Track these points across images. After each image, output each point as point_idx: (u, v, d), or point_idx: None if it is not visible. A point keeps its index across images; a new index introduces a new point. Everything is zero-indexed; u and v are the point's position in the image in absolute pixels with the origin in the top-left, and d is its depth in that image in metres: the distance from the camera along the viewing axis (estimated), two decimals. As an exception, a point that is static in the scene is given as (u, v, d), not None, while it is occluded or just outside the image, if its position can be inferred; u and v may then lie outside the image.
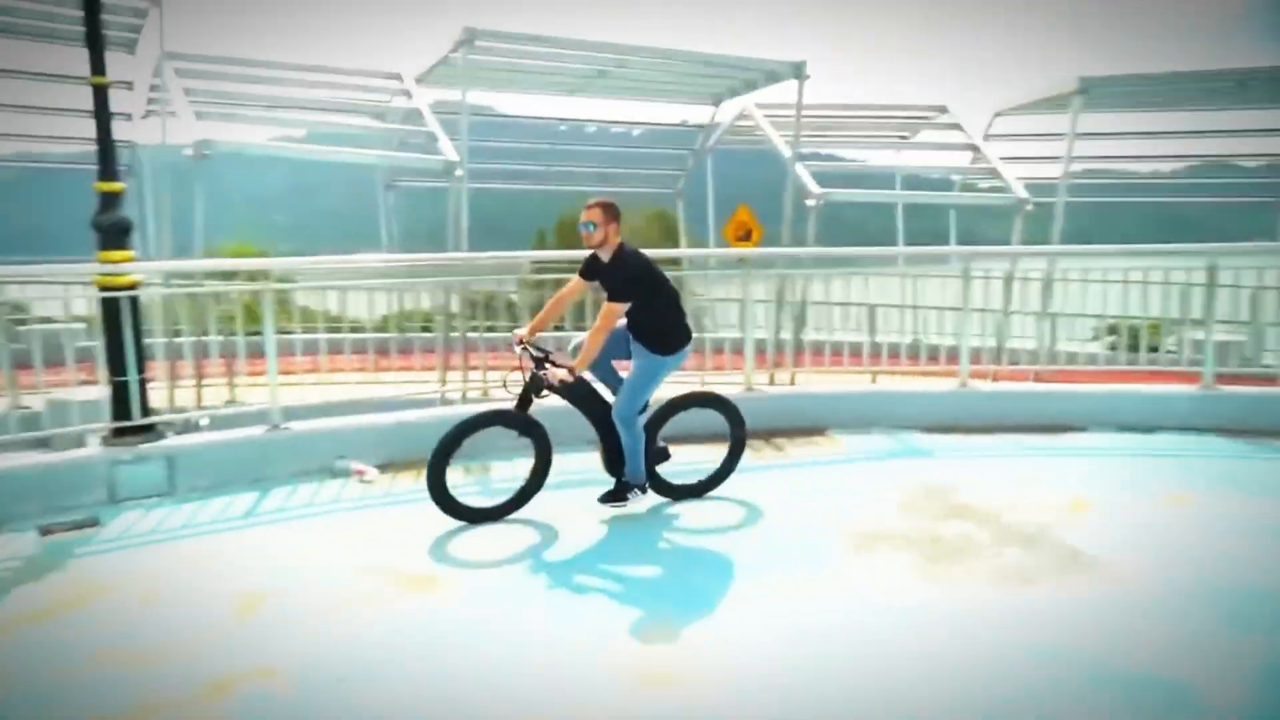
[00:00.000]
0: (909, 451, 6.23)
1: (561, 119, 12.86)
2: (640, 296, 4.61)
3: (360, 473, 5.60)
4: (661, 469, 5.07)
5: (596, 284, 4.83)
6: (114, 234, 5.11)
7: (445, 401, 7.61)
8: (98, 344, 5.45)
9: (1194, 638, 3.42)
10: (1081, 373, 8.88)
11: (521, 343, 4.76)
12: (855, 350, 8.49)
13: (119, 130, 10.62)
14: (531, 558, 4.36)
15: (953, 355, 7.78)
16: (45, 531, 4.69)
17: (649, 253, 4.83)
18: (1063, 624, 3.54)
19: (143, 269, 5.39)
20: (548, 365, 4.66)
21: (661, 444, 5.04)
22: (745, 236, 13.51)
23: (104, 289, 5.18)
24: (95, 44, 4.95)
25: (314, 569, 4.18)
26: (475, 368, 7.50)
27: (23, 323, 9.02)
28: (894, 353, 9.33)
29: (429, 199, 13.31)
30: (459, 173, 8.28)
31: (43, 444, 6.21)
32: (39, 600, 3.88)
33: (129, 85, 9.81)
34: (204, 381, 7.72)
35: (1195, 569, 4.10)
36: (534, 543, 4.54)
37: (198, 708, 3.00)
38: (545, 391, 4.66)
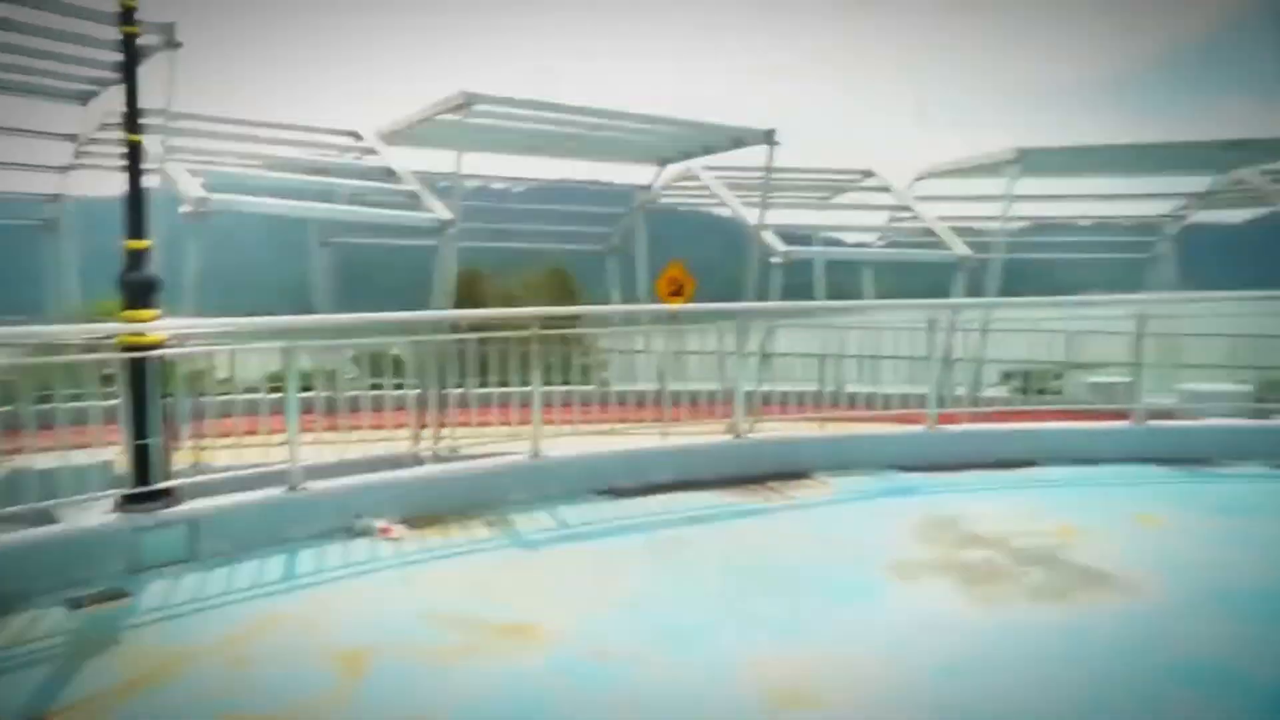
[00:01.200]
0: (897, 490, 6.73)
1: (496, 176, 13.03)
2: None
3: (386, 530, 5.55)
4: None
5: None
6: (141, 292, 4.97)
7: (417, 461, 7.66)
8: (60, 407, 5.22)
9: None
10: (1026, 413, 9.69)
11: None
12: (799, 400, 9.17)
13: (46, 182, 10.19)
14: None
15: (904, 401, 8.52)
16: (75, 605, 4.43)
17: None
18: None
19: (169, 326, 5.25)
20: None
21: None
22: (677, 292, 14.00)
23: (127, 348, 5.00)
24: (132, 100, 4.87)
25: (396, 625, 4.17)
26: (462, 423, 7.55)
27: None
28: (835, 401, 9.97)
29: (352, 255, 13.20)
30: (451, 231, 8.35)
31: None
32: (117, 674, 3.68)
33: (74, 137, 9.38)
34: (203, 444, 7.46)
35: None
36: None
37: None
38: None
